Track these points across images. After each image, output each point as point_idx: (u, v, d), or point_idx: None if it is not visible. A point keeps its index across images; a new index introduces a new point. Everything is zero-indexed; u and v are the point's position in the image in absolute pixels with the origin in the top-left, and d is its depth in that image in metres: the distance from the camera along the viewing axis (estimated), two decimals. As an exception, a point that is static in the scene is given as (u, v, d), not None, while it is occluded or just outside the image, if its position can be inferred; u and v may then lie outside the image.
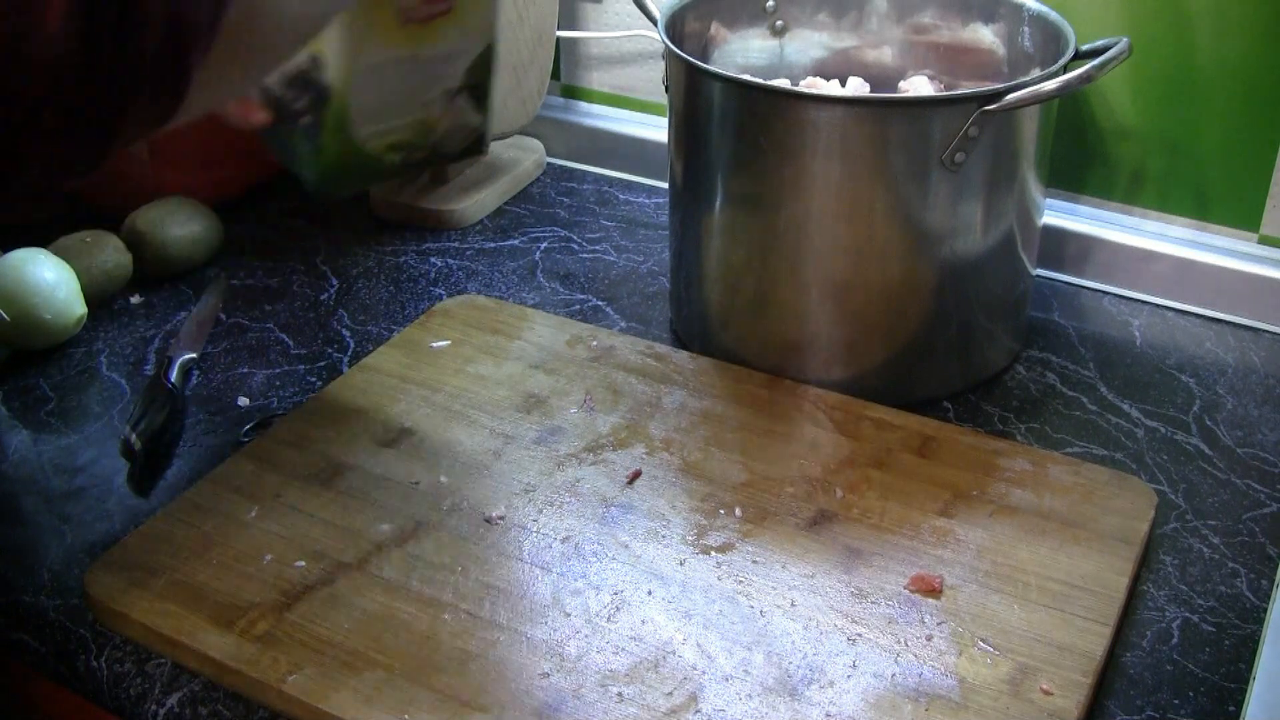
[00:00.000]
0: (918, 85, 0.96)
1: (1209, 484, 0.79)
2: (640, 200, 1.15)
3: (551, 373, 0.87)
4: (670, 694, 0.63)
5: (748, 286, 0.86)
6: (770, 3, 0.98)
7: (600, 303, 0.99)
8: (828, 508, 0.74)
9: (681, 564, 0.71)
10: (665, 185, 0.94)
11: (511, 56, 1.09)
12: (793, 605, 0.68)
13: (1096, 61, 0.77)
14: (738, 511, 0.74)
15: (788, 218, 0.82)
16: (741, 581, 0.69)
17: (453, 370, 0.87)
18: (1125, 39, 0.79)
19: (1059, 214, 1.01)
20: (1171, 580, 0.72)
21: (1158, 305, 0.98)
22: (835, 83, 0.97)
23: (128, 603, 0.69)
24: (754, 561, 0.71)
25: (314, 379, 0.90)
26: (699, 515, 0.74)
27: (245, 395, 0.89)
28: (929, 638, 0.65)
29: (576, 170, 1.21)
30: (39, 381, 0.91)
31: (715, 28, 0.96)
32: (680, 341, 0.94)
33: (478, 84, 0.69)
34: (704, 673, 0.64)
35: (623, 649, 0.65)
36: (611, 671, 0.64)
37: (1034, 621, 0.66)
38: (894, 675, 0.63)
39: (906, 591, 0.68)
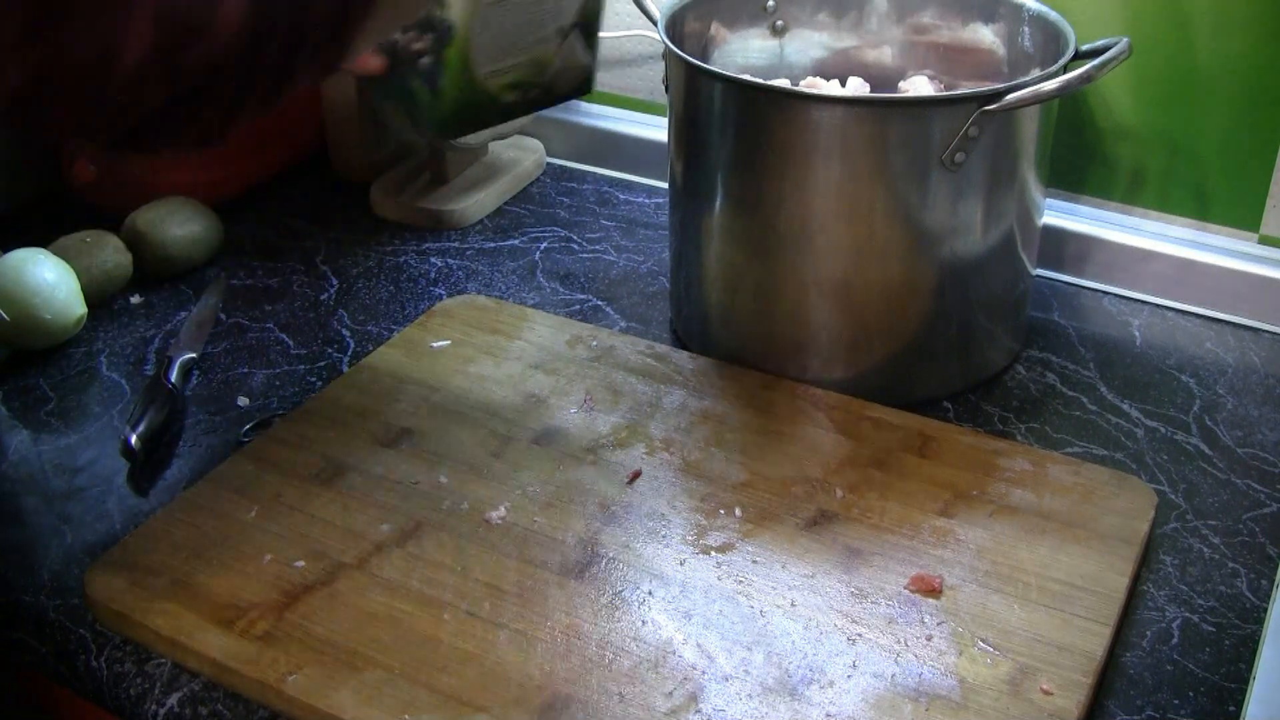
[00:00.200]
0: (918, 85, 0.96)
1: (1209, 484, 0.79)
2: (640, 200, 1.15)
3: (551, 373, 0.87)
4: (670, 694, 0.63)
5: (748, 286, 0.86)
6: (770, 3, 0.98)
7: (600, 303, 0.99)
8: (828, 508, 0.74)
9: (681, 564, 0.71)
10: (665, 185, 0.94)
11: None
12: (793, 605, 0.68)
13: (1096, 61, 0.77)
14: (738, 511, 0.74)
15: (788, 218, 0.82)
16: (741, 581, 0.69)
17: (453, 370, 0.87)
18: (1125, 39, 0.79)
19: (1059, 214, 1.01)
20: (1171, 580, 0.72)
21: (1158, 305, 0.98)
22: (835, 83, 0.97)
23: (128, 603, 0.69)
24: (754, 561, 0.71)
25: (314, 379, 0.90)
26: (699, 515, 0.74)
27: (245, 395, 0.89)
28: (929, 638, 0.65)
29: (576, 170, 1.21)
30: (39, 381, 0.91)
31: (715, 28, 0.96)
32: (680, 341, 0.94)
33: (589, 21, 0.70)
34: (704, 673, 0.64)
35: (623, 649, 0.65)
36: (611, 671, 0.64)
37: (1034, 621, 0.66)
38: (894, 675, 0.63)
39: (906, 591, 0.68)
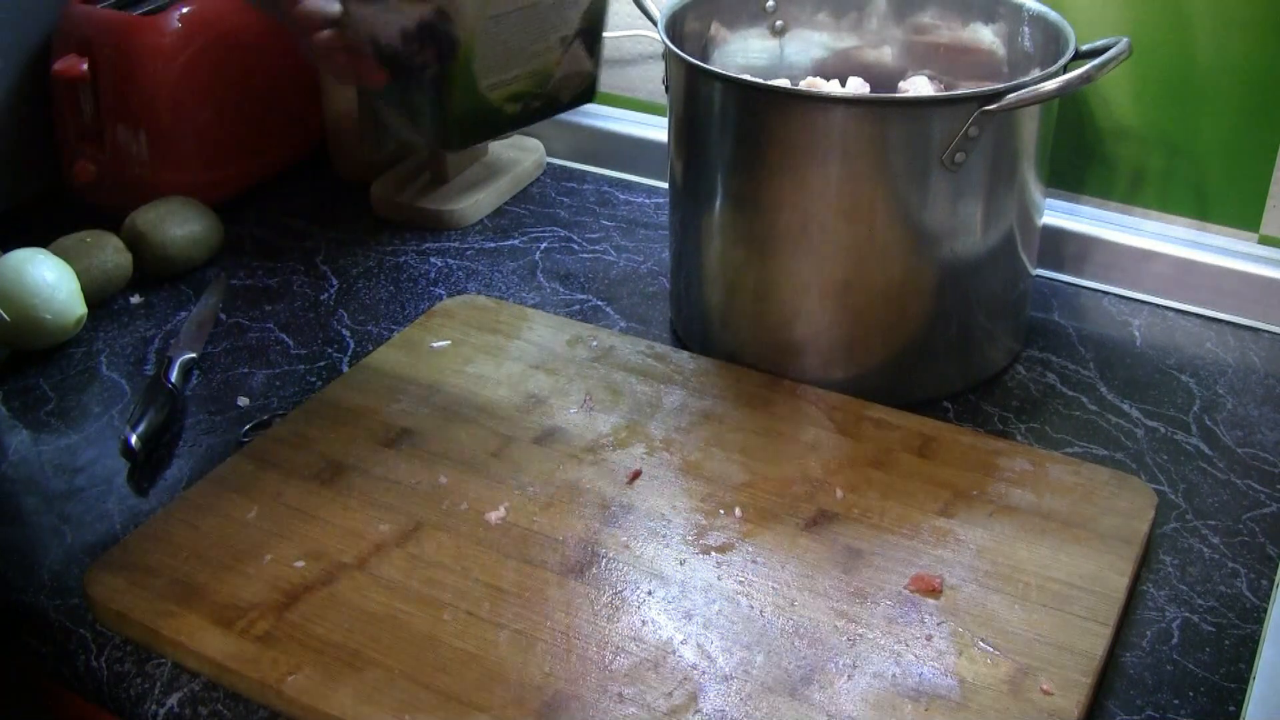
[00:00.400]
0: (918, 85, 0.96)
1: (1209, 484, 0.79)
2: (640, 200, 1.15)
3: (551, 373, 0.87)
4: (670, 694, 0.63)
5: (748, 287, 0.86)
6: (770, 3, 0.98)
7: (600, 303, 0.99)
8: (828, 508, 0.74)
9: (681, 564, 0.71)
10: (665, 185, 0.94)
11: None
12: (793, 605, 0.68)
13: (1096, 61, 0.77)
14: (738, 511, 0.74)
15: (788, 217, 0.82)
16: (741, 581, 0.69)
17: (453, 370, 0.87)
18: (1125, 39, 0.79)
19: (1059, 214, 1.00)
20: (1171, 580, 0.72)
21: (1158, 305, 0.98)
22: (835, 83, 0.97)
23: (128, 603, 0.69)
24: (754, 561, 0.71)
25: (314, 379, 0.90)
26: (699, 515, 0.74)
27: (245, 395, 0.89)
28: (929, 638, 0.65)
29: (576, 170, 1.21)
30: (39, 381, 0.91)
31: (715, 28, 0.96)
32: (680, 341, 0.94)
33: (591, 29, 0.70)
34: (704, 673, 0.64)
35: (623, 649, 0.65)
36: (611, 671, 0.64)
37: (1034, 621, 0.66)
38: (894, 675, 0.63)
39: (906, 591, 0.68)
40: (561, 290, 1.01)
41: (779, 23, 0.98)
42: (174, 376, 0.88)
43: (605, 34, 1.15)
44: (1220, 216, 0.96)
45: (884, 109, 0.80)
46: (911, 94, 0.93)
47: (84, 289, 0.94)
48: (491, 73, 0.66)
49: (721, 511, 0.74)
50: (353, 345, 0.94)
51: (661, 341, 0.92)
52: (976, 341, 0.87)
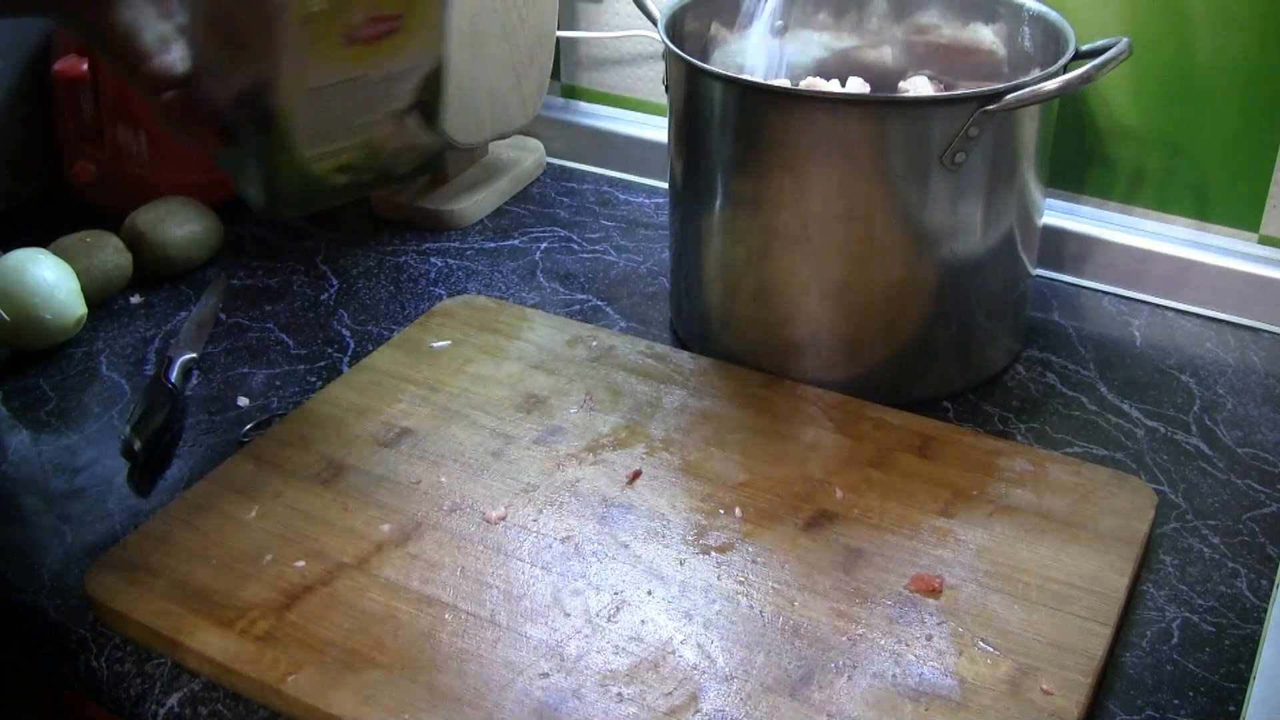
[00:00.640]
0: (918, 85, 0.96)
1: (1209, 484, 0.79)
2: (640, 200, 1.15)
3: (551, 373, 0.87)
4: (670, 694, 0.63)
5: (748, 287, 0.86)
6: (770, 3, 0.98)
7: (600, 303, 0.99)
8: (828, 508, 0.74)
9: (681, 564, 0.71)
10: (665, 185, 0.94)
11: (511, 56, 1.09)
12: (792, 605, 0.68)
13: (1096, 61, 0.77)
14: (738, 511, 0.74)
15: (787, 218, 0.82)
16: (741, 581, 0.69)
17: (453, 370, 0.87)
18: (1125, 39, 0.79)
19: (1059, 214, 1.00)
20: (1171, 580, 0.72)
21: (1158, 305, 0.98)
22: (835, 83, 0.97)
23: (128, 603, 0.69)
24: (754, 561, 0.71)
25: (314, 379, 0.90)
26: (699, 515, 0.74)
27: (245, 395, 0.89)
28: (929, 638, 0.65)
29: (576, 170, 1.21)
30: (39, 381, 0.91)
31: (715, 28, 0.96)
32: (680, 341, 0.94)
33: (427, 102, 0.68)
34: (704, 673, 0.64)
35: (623, 649, 0.65)
36: (611, 671, 0.64)
37: (1034, 621, 0.66)
38: (894, 675, 0.63)
39: (906, 591, 0.68)
40: (561, 290, 1.01)
41: (779, 23, 0.98)
42: (174, 376, 0.88)
43: (605, 34, 1.16)
44: (1220, 216, 0.96)
45: (884, 109, 0.80)
46: (911, 94, 0.93)
47: (84, 289, 0.94)
48: (315, 144, 0.65)
49: (721, 511, 0.74)
50: (353, 345, 0.94)
51: (661, 341, 0.92)
52: (976, 341, 0.87)
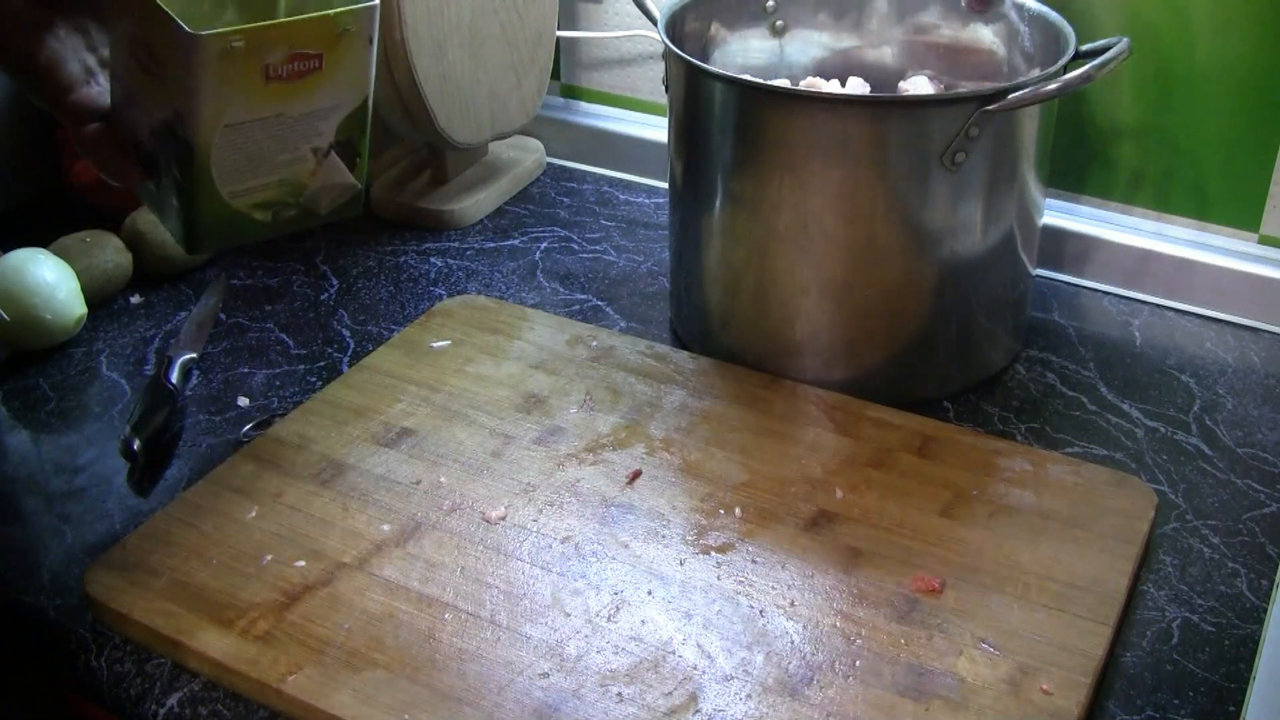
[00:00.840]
0: (918, 85, 0.96)
1: (1209, 484, 0.79)
2: (640, 200, 1.15)
3: (551, 373, 0.87)
4: (670, 694, 0.63)
5: (748, 286, 0.86)
6: (770, 3, 0.98)
7: (600, 303, 0.99)
8: (828, 508, 0.74)
9: (681, 564, 0.71)
10: (665, 185, 0.94)
11: (511, 56, 1.09)
12: (793, 605, 0.68)
13: (1096, 61, 0.77)
14: (738, 511, 0.74)
15: (788, 218, 0.82)
16: (741, 581, 0.69)
17: (453, 370, 0.87)
18: (1125, 39, 0.79)
19: (1059, 214, 1.00)
20: (1171, 580, 0.72)
21: (1158, 305, 0.98)
22: (835, 83, 0.97)
23: (128, 603, 0.69)
24: (754, 561, 0.71)
25: (314, 379, 0.90)
26: (699, 515, 0.74)
27: (245, 395, 0.89)
28: (929, 638, 0.65)
29: (576, 170, 1.21)
30: (39, 381, 0.91)
31: (715, 28, 0.96)
32: (680, 341, 0.94)
33: (349, 141, 0.68)
34: (704, 673, 0.64)
35: (623, 649, 0.65)
36: (611, 671, 0.64)
37: (1034, 621, 0.66)
38: (894, 675, 0.63)
39: (906, 591, 0.68)
40: (561, 290, 1.01)
41: (779, 23, 0.98)
42: (174, 376, 0.88)
43: (605, 34, 1.16)
44: (1220, 216, 0.96)
45: (884, 109, 0.80)
46: (911, 94, 0.93)
47: (84, 289, 0.94)
48: (233, 180, 0.65)
49: (721, 511, 0.74)
50: (353, 345, 0.94)
51: (661, 341, 0.92)
52: (976, 341, 0.87)
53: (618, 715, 0.61)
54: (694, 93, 0.84)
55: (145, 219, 1.02)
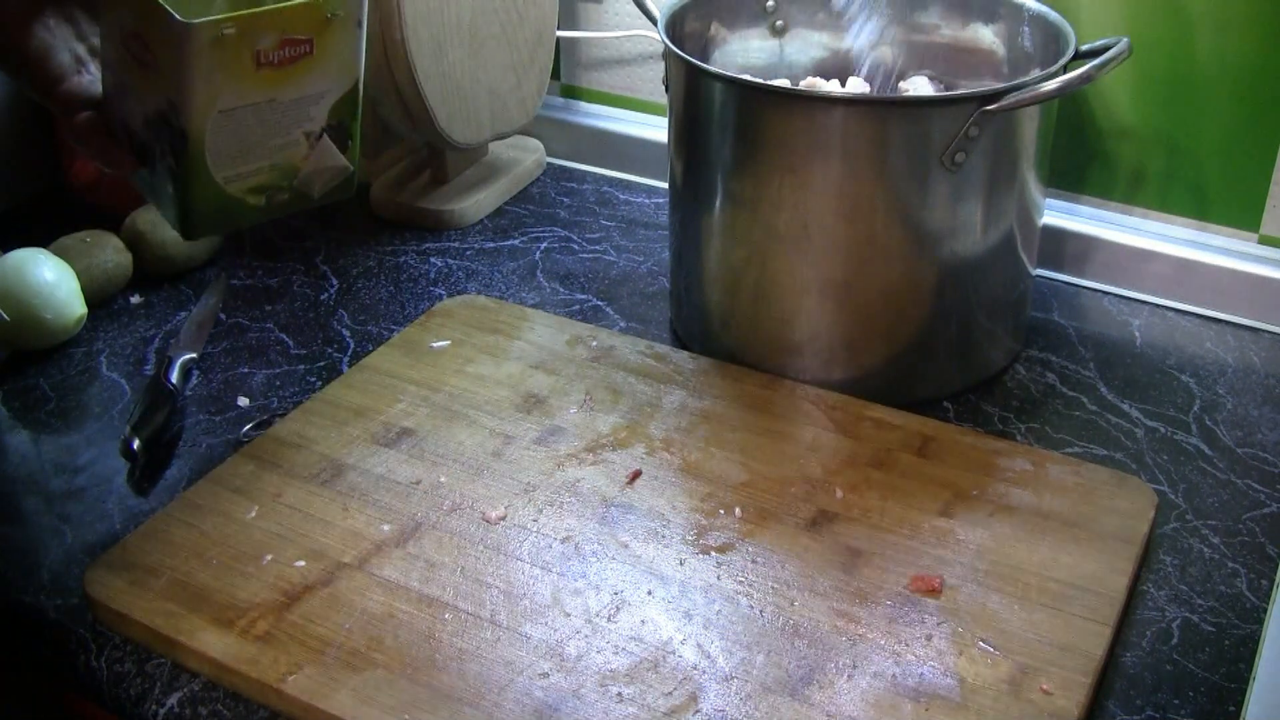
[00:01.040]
0: (918, 85, 0.96)
1: (1209, 484, 0.79)
2: (640, 200, 1.15)
3: (551, 373, 0.87)
4: (670, 694, 0.63)
5: (748, 286, 0.86)
6: (770, 2, 0.98)
7: (600, 303, 0.99)
8: (828, 508, 0.74)
9: (681, 564, 0.71)
10: (665, 185, 0.94)
11: (511, 56, 1.09)
12: (793, 605, 0.68)
13: (1096, 61, 0.77)
14: (738, 511, 0.74)
15: (788, 218, 0.82)
16: (741, 581, 0.69)
17: (453, 370, 0.87)
18: (1125, 39, 0.79)
19: (1059, 214, 1.00)
20: (1171, 580, 0.72)
21: (1158, 305, 0.98)
22: (835, 83, 0.97)
23: (128, 603, 0.69)
24: (754, 561, 0.71)
25: (314, 379, 0.90)
26: (699, 515, 0.74)
27: (245, 395, 0.89)
28: (929, 638, 0.65)
29: (576, 170, 1.21)
30: (39, 381, 0.91)
31: (715, 28, 0.96)
32: (680, 341, 0.94)
33: (340, 124, 0.69)
34: (704, 673, 0.64)
35: (623, 649, 0.65)
36: (611, 671, 0.64)
37: (1034, 621, 0.66)
38: (894, 675, 0.63)
39: (906, 591, 0.68)
40: (561, 290, 1.01)
41: (779, 23, 0.99)
42: (174, 376, 0.88)
43: (605, 34, 1.16)
44: (1220, 216, 0.96)
45: (884, 109, 0.80)
46: (911, 94, 0.93)
47: (84, 289, 0.94)
48: (227, 166, 0.66)
49: (721, 511, 0.74)
50: (353, 345, 0.94)
51: (661, 341, 0.92)
52: (976, 341, 0.87)
53: (618, 715, 0.61)
54: (694, 93, 0.85)
55: (145, 219, 1.02)
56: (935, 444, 0.79)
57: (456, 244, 1.08)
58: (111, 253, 0.99)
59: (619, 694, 0.63)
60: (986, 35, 0.94)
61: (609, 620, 0.67)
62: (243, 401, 0.88)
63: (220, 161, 0.65)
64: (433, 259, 1.06)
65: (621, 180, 1.19)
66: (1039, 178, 0.85)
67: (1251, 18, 0.89)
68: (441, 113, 1.04)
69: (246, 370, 0.92)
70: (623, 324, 0.96)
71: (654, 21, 0.89)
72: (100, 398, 0.89)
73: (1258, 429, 0.84)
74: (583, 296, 1.00)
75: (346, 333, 0.96)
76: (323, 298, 1.00)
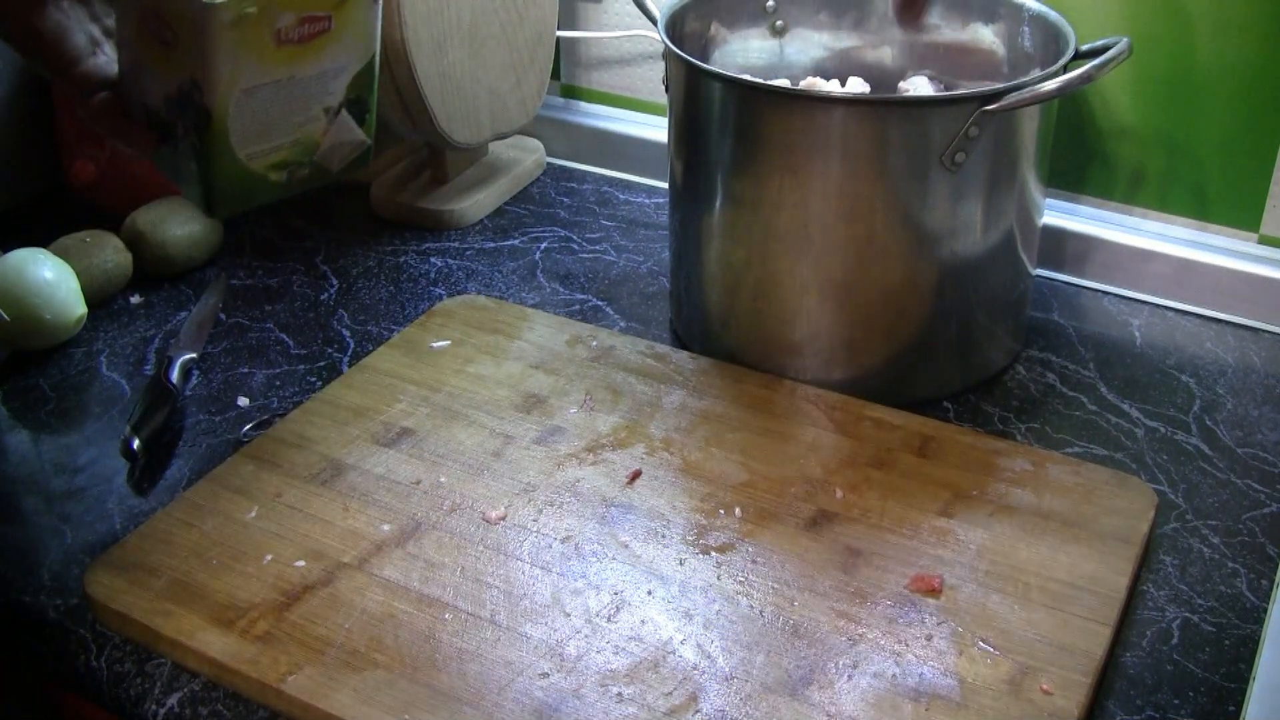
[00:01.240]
0: (918, 85, 0.96)
1: (1209, 484, 0.79)
2: (640, 200, 1.15)
3: (551, 373, 0.87)
4: (670, 694, 0.63)
5: (748, 286, 0.86)
6: (770, 3, 0.98)
7: (600, 303, 0.99)
8: (828, 508, 0.74)
9: (681, 564, 0.71)
10: (665, 185, 0.94)
11: (511, 56, 1.09)
12: (793, 605, 0.68)
13: (1096, 61, 0.77)
14: (738, 511, 0.74)
15: (788, 218, 0.82)
16: (741, 581, 0.69)
17: (453, 370, 0.87)
18: (1125, 39, 0.79)
19: (1059, 214, 1.00)
20: (1171, 580, 0.72)
21: (1158, 305, 0.98)
22: (835, 83, 0.97)
23: (128, 603, 0.69)
24: (754, 561, 0.71)
25: (314, 379, 0.90)
26: (699, 515, 0.74)
27: (245, 395, 0.89)
28: (929, 638, 0.65)
29: (576, 170, 1.21)
30: (39, 381, 0.91)
31: (715, 28, 0.96)
32: (680, 341, 0.94)
33: (359, 99, 0.69)
34: (704, 673, 0.64)
35: (623, 649, 0.65)
36: (611, 671, 0.64)
37: (1034, 621, 0.66)
38: (894, 675, 0.63)
39: (906, 591, 0.68)
40: (561, 290, 1.01)
41: (779, 23, 0.99)
42: (174, 376, 0.88)
43: (605, 34, 1.16)
44: (1220, 216, 0.96)
45: (884, 109, 0.80)
46: (911, 94, 0.93)
47: (84, 289, 0.94)
48: (250, 143, 0.66)
49: (721, 511, 0.74)
50: (353, 345, 0.94)
51: (661, 341, 0.92)
52: (976, 341, 0.87)
53: (618, 715, 0.61)
54: (694, 93, 0.85)
55: (145, 219, 1.02)
56: (935, 444, 0.79)
57: (456, 244, 1.08)
58: (111, 253, 0.99)
59: (619, 694, 0.63)
60: (986, 35, 0.94)
61: (609, 620, 0.67)
62: (243, 401, 0.88)
63: (243, 139, 0.66)
64: (433, 259, 1.06)
65: (621, 180, 1.19)
66: (1039, 178, 0.85)
67: (1251, 18, 0.89)
68: (441, 113, 1.04)
69: (246, 370, 0.92)
70: (623, 324, 0.96)
71: (654, 21, 0.89)
72: (100, 398, 0.89)
73: (1258, 429, 0.84)
74: (583, 296, 1.00)
75: (346, 333, 0.96)
76: (323, 298, 1.00)
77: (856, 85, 0.96)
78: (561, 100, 1.23)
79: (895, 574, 0.69)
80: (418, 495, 0.76)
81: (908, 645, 0.65)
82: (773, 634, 0.66)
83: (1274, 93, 0.91)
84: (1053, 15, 0.87)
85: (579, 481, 0.77)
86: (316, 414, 0.83)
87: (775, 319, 0.86)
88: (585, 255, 1.06)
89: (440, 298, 0.99)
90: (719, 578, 0.70)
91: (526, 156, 1.18)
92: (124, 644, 0.69)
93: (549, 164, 1.21)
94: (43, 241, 0.96)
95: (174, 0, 0.61)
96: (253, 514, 0.74)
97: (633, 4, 0.93)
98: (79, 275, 0.94)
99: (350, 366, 0.91)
